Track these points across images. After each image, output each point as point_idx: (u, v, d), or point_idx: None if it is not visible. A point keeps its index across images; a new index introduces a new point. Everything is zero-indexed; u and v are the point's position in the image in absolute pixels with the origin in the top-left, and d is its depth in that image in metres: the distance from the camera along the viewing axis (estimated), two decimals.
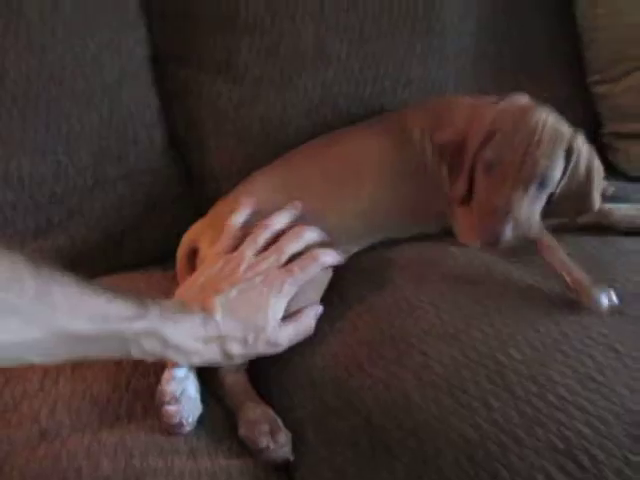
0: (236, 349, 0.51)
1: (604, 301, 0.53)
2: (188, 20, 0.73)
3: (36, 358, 0.44)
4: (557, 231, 0.59)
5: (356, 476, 0.48)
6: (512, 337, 0.51)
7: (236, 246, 0.58)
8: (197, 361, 0.51)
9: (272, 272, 0.55)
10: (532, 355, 0.49)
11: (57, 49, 0.65)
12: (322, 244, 0.60)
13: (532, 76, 0.85)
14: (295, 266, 0.56)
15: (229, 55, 0.73)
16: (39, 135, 0.66)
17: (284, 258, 0.56)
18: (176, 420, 0.49)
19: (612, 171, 0.80)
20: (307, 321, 0.56)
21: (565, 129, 0.58)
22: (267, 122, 0.75)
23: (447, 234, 0.66)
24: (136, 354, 0.48)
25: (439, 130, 0.65)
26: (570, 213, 0.62)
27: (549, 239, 0.58)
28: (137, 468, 0.46)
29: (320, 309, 0.57)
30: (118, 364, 0.55)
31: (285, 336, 0.54)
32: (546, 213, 0.59)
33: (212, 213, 0.66)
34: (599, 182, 0.61)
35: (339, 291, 0.60)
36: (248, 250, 0.56)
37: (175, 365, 0.51)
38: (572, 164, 0.57)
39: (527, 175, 0.56)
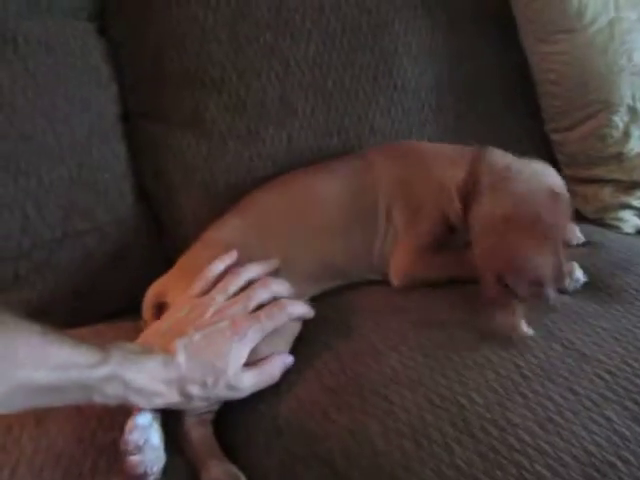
0: (196, 391, 0.52)
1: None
2: (158, 78, 0.76)
3: None
4: None
5: None
6: (474, 381, 0.52)
7: (207, 291, 0.59)
8: (159, 403, 0.51)
9: (239, 318, 0.55)
10: (493, 398, 0.50)
11: (27, 108, 0.67)
12: (289, 296, 0.60)
13: (492, 125, 0.89)
14: (262, 313, 0.56)
15: (197, 111, 0.75)
16: (8, 190, 0.67)
17: (252, 305, 0.57)
18: (140, 470, 0.49)
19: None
20: (271, 369, 0.56)
21: None
22: (234, 173, 0.77)
23: None
24: (98, 400, 0.48)
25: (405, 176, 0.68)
26: None
27: None
28: None
29: (290, 360, 0.58)
30: (83, 416, 0.54)
31: (246, 382, 0.54)
32: None
33: (181, 262, 0.67)
34: None
35: (304, 338, 0.61)
36: (218, 295, 0.57)
37: (138, 413, 0.51)
38: None
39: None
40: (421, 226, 0.68)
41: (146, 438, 0.50)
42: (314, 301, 0.65)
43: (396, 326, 0.61)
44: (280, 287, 0.60)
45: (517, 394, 0.50)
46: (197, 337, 0.53)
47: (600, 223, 0.84)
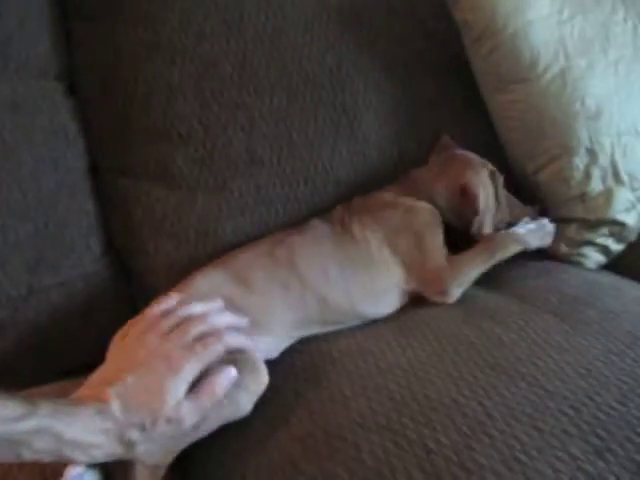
0: (136, 436, 0.50)
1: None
2: (126, 133, 0.78)
3: None
4: None
5: None
6: (441, 422, 0.52)
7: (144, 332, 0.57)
8: (98, 455, 0.49)
9: (173, 353, 0.54)
10: (460, 440, 0.50)
11: None
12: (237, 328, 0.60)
13: None
14: (198, 344, 0.55)
15: (165, 164, 0.77)
16: None
17: (188, 339, 0.55)
18: None
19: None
20: (210, 388, 0.54)
21: None
22: (204, 223, 0.78)
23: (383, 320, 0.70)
24: (28, 455, 0.46)
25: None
26: None
27: None
28: None
29: (233, 373, 0.55)
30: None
31: (185, 410, 0.52)
32: None
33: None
34: None
35: (273, 386, 0.60)
36: (151, 335, 0.56)
37: (72, 465, 0.49)
38: None
39: None
40: (428, 241, 0.74)
41: None
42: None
43: (364, 371, 0.61)
44: (220, 320, 0.59)
45: (483, 434, 0.50)
46: (130, 381, 0.51)
47: (563, 260, 0.85)
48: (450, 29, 0.89)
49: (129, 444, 0.50)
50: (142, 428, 0.50)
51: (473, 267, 0.74)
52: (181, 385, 0.52)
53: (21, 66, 0.73)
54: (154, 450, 0.52)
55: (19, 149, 0.70)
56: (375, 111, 0.86)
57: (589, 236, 0.87)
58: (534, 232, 0.80)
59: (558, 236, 0.85)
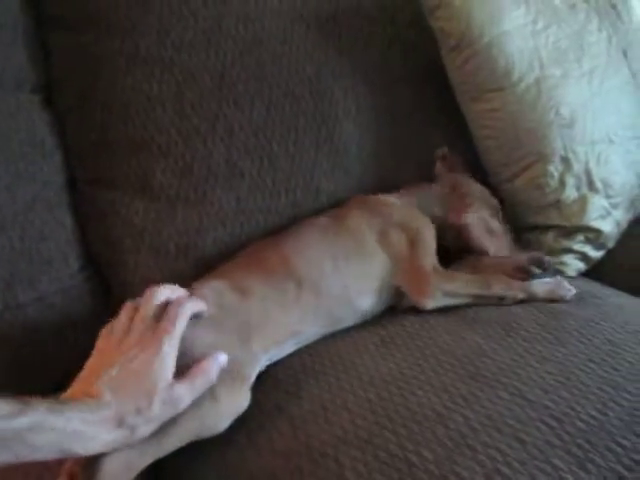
0: (134, 420, 0.51)
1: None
2: (105, 145, 0.77)
3: None
4: None
5: None
6: (423, 435, 0.52)
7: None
8: (100, 445, 0.50)
9: (145, 338, 0.55)
10: (443, 453, 0.50)
11: None
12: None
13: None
14: (164, 322, 0.56)
15: (144, 176, 0.76)
16: None
17: (149, 321, 0.56)
18: None
19: None
20: (204, 370, 0.55)
21: None
22: (184, 235, 0.77)
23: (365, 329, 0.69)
24: (26, 453, 0.46)
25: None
26: None
27: None
28: None
29: (223, 358, 0.57)
30: None
31: (181, 391, 0.53)
32: None
33: None
34: None
35: (256, 400, 0.60)
36: (116, 330, 0.57)
37: None
38: None
39: None
40: (422, 241, 0.75)
41: None
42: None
43: (345, 383, 0.60)
44: (166, 291, 0.60)
45: (465, 447, 0.50)
46: (114, 372, 0.52)
47: None
48: (428, 38, 0.89)
49: (130, 428, 0.51)
50: (138, 411, 0.51)
51: (464, 284, 0.72)
52: (167, 363, 0.53)
53: None
54: (155, 427, 0.53)
55: None
56: (354, 120, 0.86)
57: (567, 243, 0.89)
58: (546, 285, 0.74)
59: (539, 246, 0.86)
